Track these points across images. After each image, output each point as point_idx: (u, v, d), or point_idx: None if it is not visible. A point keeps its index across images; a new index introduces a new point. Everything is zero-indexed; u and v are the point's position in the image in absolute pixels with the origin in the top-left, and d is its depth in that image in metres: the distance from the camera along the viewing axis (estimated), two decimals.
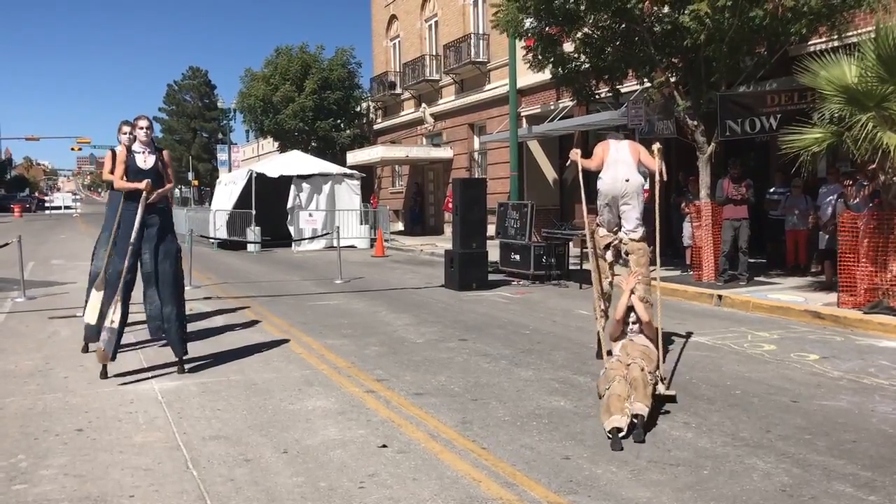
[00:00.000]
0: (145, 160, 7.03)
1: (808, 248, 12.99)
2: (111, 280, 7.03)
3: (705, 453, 4.80)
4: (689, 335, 8.65)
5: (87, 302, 7.98)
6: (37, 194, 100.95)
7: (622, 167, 7.39)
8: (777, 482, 4.32)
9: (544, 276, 13.82)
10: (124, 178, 7.01)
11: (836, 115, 9.42)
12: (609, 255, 7.64)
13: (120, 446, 5.02)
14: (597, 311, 7.57)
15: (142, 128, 7.11)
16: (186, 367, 7.07)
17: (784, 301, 10.39)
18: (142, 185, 6.89)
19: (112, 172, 7.53)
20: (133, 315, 7.84)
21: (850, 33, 11.50)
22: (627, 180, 7.35)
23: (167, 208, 7.31)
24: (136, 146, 7.13)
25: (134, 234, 6.92)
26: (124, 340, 7.33)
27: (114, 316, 6.81)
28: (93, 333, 7.94)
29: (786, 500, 4.09)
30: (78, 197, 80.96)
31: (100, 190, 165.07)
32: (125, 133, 7.83)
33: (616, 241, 7.55)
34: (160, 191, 7.07)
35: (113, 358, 6.90)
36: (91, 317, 7.33)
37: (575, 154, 7.80)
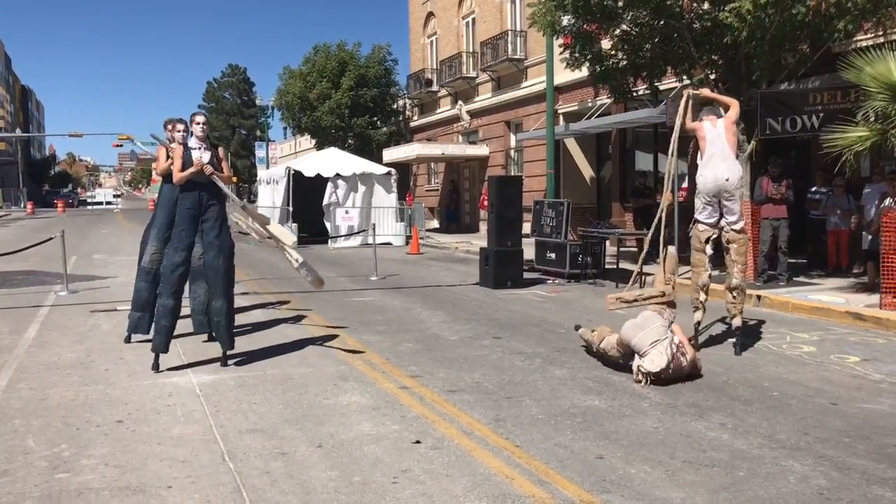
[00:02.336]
0: (201, 156, 7.12)
1: (849, 249, 12.76)
2: (164, 273, 7.16)
3: (741, 455, 4.75)
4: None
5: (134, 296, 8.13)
6: (79, 190, 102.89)
7: (721, 165, 7.56)
8: (814, 485, 4.26)
9: (580, 274, 13.73)
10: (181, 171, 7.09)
11: (880, 112, 9.23)
12: (709, 249, 7.88)
13: (158, 438, 5.12)
14: (695, 302, 7.99)
15: (198, 123, 7.23)
16: (230, 361, 7.16)
17: (825, 302, 10.22)
18: (200, 167, 6.98)
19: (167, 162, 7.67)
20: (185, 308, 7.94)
21: None
22: (727, 179, 7.53)
23: (223, 203, 7.40)
24: (191, 142, 7.24)
25: (178, 224, 7.04)
26: None
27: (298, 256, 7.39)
28: (136, 325, 8.10)
29: (823, 503, 4.03)
30: (119, 193, 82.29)
31: (140, 186, 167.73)
32: (179, 131, 7.88)
33: (716, 235, 7.82)
34: (218, 174, 7.14)
35: (165, 350, 7.05)
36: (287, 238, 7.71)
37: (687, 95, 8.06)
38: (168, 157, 7.70)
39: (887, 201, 10.64)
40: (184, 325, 8.33)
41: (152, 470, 4.54)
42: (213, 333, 7.69)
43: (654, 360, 6.34)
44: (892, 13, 11.15)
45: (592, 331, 7.57)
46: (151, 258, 8.00)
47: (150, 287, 7.97)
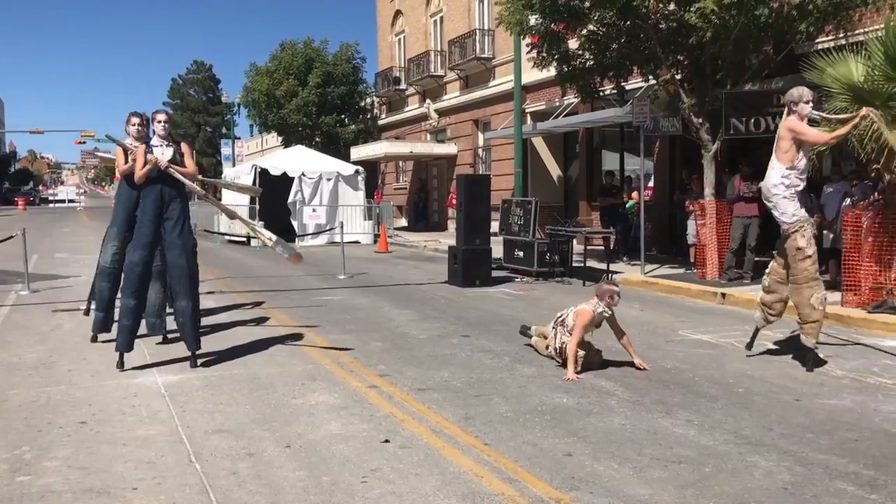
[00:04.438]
0: (163, 153, 7.00)
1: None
2: (126, 272, 7.05)
3: (707, 451, 4.81)
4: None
5: (90, 294, 8.03)
6: (41, 188, 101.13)
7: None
8: (779, 480, 4.32)
9: (548, 273, 13.80)
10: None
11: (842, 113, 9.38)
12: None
13: (123, 439, 5.04)
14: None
15: (160, 121, 7.12)
16: (198, 361, 7.07)
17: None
18: (154, 160, 6.84)
19: (127, 165, 7.57)
20: None
21: (857, 31, 11.47)
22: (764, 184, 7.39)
23: (185, 202, 7.29)
24: (154, 140, 7.13)
25: (140, 223, 6.93)
26: None
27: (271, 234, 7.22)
28: (101, 325, 7.98)
29: (787, 498, 4.09)
30: (82, 191, 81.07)
31: (104, 184, 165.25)
32: (134, 124, 7.83)
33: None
34: (179, 168, 7.00)
35: (129, 349, 6.95)
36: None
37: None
38: (126, 157, 7.59)
39: (847, 201, 10.84)
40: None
41: (117, 471, 4.47)
42: (179, 334, 7.58)
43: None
44: (852, 16, 11.36)
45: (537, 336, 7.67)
46: (112, 257, 7.87)
47: (113, 286, 7.87)
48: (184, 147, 7.27)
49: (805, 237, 6.94)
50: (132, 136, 7.84)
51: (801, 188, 7.09)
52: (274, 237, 7.31)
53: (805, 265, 6.94)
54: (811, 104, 7.09)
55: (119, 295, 7.26)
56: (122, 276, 7.19)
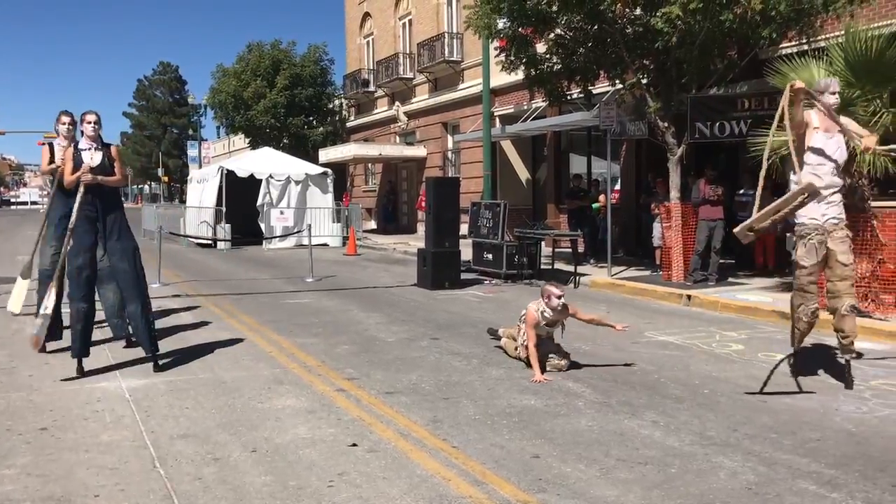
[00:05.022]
0: (92, 157, 6.78)
1: (775, 250, 13.16)
2: (71, 277, 6.82)
3: (673, 452, 4.84)
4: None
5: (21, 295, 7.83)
6: (2, 190, 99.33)
7: None
8: (743, 480, 4.37)
9: (516, 275, 13.85)
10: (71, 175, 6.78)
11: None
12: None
13: (85, 445, 4.96)
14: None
15: (89, 122, 6.86)
16: (160, 362, 6.95)
17: (752, 301, 10.51)
18: (83, 174, 6.64)
19: (51, 165, 7.44)
20: (100, 312, 7.72)
21: (819, 38, 11.66)
22: None
23: (120, 205, 7.10)
24: (82, 142, 6.91)
25: (77, 227, 6.74)
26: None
27: (47, 302, 6.74)
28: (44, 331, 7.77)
29: (752, 497, 4.14)
30: (45, 192, 79.81)
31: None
32: (63, 123, 7.69)
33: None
34: (105, 178, 6.79)
35: (86, 354, 6.84)
36: (15, 305, 7.29)
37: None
38: (52, 157, 7.46)
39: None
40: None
41: (78, 478, 4.39)
42: (133, 339, 7.46)
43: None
44: (814, 22, 11.56)
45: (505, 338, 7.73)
46: (52, 259, 7.73)
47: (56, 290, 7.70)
48: (114, 151, 7.05)
49: (802, 247, 6.37)
50: (62, 135, 7.70)
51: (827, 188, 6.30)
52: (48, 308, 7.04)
53: (798, 273, 6.48)
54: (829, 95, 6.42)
55: (67, 300, 7.08)
56: (68, 281, 6.94)
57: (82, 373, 6.70)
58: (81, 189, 6.65)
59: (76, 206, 6.68)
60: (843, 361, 6.50)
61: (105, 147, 6.98)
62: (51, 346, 7.74)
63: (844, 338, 6.37)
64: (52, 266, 7.73)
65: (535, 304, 7.02)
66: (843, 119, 6.53)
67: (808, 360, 7.43)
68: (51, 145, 7.59)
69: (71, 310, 6.87)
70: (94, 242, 6.82)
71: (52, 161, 7.55)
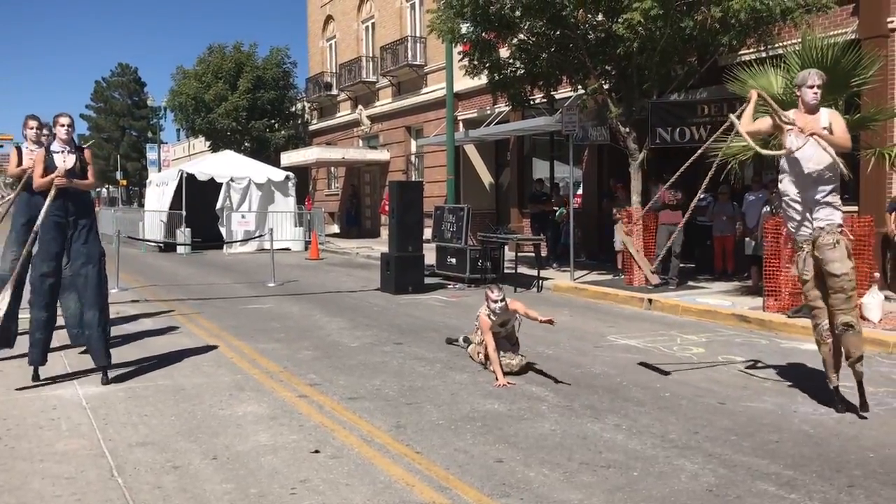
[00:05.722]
0: (65, 159, 6.64)
1: (734, 254, 13.36)
2: (34, 284, 6.68)
3: (635, 455, 4.88)
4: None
5: None
6: None
7: None
8: (704, 482, 4.41)
9: (480, 279, 13.87)
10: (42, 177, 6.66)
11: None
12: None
13: (41, 454, 4.85)
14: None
15: (63, 125, 6.73)
16: (110, 375, 6.71)
17: (712, 305, 10.65)
18: (57, 177, 6.49)
19: (19, 168, 7.31)
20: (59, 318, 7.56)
21: (777, 45, 11.87)
22: None
23: (91, 210, 6.97)
24: (55, 145, 6.75)
25: (44, 233, 6.60)
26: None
27: (1, 304, 6.59)
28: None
29: (712, 499, 4.18)
30: (1, 195, 78.05)
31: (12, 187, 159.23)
32: (31, 128, 7.61)
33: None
34: (79, 182, 6.67)
35: (43, 362, 6.70)
36: None
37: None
38: (20, 159, 7.32)
39: (766, 208, 11.20)
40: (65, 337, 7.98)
41: (34, 489, 4.29)
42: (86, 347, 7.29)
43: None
44: (772, 30, 11.77)
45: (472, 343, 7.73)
46: (11, 265, 7.55)
47: (13, 297, 7.52)
48: (87, 154, 6.93)
49: (800, 261, 6.07)
50: (30, 139, 7.60)
51: (790, 197, 6.00)
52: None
53: (803, 290, 6.18)
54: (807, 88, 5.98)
55: (28, 307, 6.92)
56: (31, 287, 6.76)
57: (38, 381, 6.55)
58: (52, 192, 6.51)
59: (44, 209, 6.54)
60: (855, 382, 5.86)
61: (78, 150, 6.85)
62: (0, 353, 7.56)
63: (846, 357, 5.85)
64: (11, 272, 7.54)
65: (484, 309, 7.09)
66: (823, 113, 5.99)
67: (768, 358, 7.56)
68: (18, 148, 7.45)
69: (31, 317, 6.70)
70: (61, 250, 6.64)
71: (20, 164, 7.40)
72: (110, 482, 4.39)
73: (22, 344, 7.68)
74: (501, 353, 6.98)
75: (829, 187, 5.83)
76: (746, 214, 12.43)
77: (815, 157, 5.80)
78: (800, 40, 9.74)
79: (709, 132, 11.99)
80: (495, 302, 6.94)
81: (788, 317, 9.52)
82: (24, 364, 7.04)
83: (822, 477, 4.49)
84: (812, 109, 5.99)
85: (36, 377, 6.58)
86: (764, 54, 11.74)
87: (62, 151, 6.72)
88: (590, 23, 12.87)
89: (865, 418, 5.62)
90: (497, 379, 6.66)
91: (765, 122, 6.33)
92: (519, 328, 7.33)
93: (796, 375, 7.03)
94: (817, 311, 5.97)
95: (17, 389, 6.42)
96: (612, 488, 4.32)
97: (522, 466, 4.66)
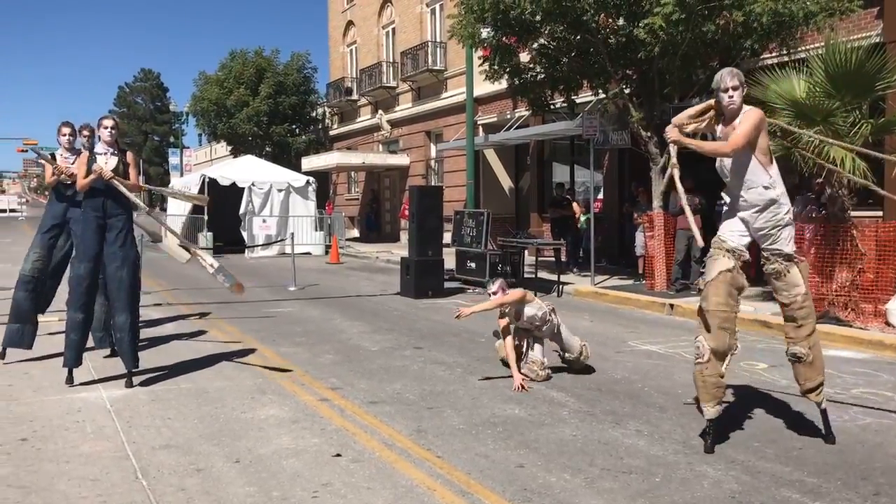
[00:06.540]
0: (107, 161, 6.75)
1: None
2: (72, 285, 6.77)
3: (657, 461, 4.86)
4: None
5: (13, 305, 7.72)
6: None
7: None
8: (727, 489, 4.38)
9: None
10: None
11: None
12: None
13: (66, 456, 4.90)
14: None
15: (106, 127, 6.85)
16: (135, 380, 6.76)
17: None
18: (98, 172, 6.59)
19: (53, 177, 7.46)
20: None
21: (800, 49, 11.79)
22: None
23: (129, 213, 7.04)
24: (99, 147, 6.88)
25: (84, 234, 6.73)
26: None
27: (209, 259, 7.08)
28: (11, 338, 7.67)
29: None
30: (24, 200, 79.04)
31: (46, 193, 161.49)
32: (65, 135, 7.72)
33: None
34: (123, 181, 6.74)
35: (77, 364, 6.77)
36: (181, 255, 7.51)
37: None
38: (53, 172, 7.45)
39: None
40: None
41: (59, 490, 4.34)
42: (116, 350, 7.36)
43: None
44: (795, 34, 11.68)
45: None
46: (33, 266, 7.63)
47: (31, 297, 7.62)
48: (129, 156, 7.03)
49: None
50: (63, 146, 7.71)
51: (738, 204, 5.67)
52: (215, 264, 7.10)
53: None
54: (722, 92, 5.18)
55: (66, 308, 7.01)
56: (68, 288, 6.88)
57: (71, 382, 6.63)
58: (86, 187, 6.65)
59: (81, 209, 6.75)
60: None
61: (121, 152, 6.97)
62: (13, 355, 7.65)
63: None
64: (31, 272, 7.65)
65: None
66: (743, 120, 5.19)
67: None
68: (53, 156, 7.58)
69: (68, 318, 6.77)
70: (100, 252, 6.72)
71: (54, 172, 7.51)
72: (135, 484, 4.43)
73: (39, 346, 7.81)
74: (530, 353, 7.01)
75: (758, 203, 5.43)
76: None
77: (739, 167, 5.36)
78: (823, 44, 9.67)
79: None
80: (490, 295, 7.02)
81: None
82: (49, 366, 7.16)
83: (847, 485, 4.45)
84: (733, 115, 5.19)
85: (70, 380, 6.65)
86: (786, 58, 11.67)
87: (105, 153, 6.83)
88: (611, 27, 12.85)
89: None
90: (513, 376, 6.66)
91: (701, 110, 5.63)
92: (558, 329, 7.17)
93: None
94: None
95: (67, 386, 6.51)
96: (633, 494, 4.30)
97: (544, 472, 4.65)
